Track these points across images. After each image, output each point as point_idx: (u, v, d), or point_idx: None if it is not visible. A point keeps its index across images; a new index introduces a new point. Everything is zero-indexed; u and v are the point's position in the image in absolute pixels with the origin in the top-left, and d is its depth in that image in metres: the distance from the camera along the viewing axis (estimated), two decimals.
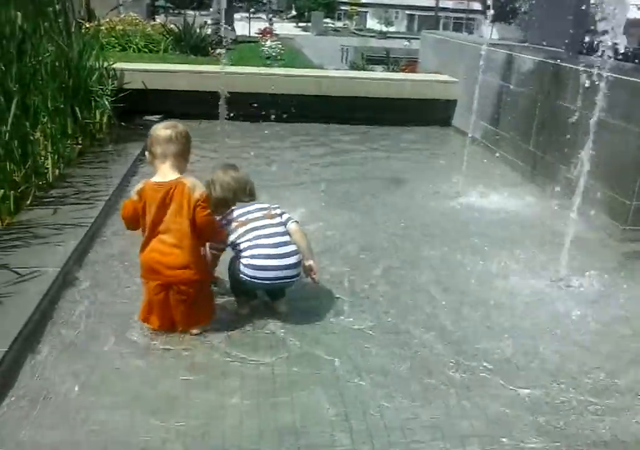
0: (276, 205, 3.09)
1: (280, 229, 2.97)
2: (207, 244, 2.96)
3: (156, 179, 2.75)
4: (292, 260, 2.91)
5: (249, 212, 2.97)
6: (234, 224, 2.94)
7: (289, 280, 2.95)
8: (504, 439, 2.28)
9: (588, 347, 2.94)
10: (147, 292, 2.80)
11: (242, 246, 2.90)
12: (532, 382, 2.63)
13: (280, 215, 3.03)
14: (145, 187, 2.72)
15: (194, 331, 2.84)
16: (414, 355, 2.79)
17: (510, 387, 2.58)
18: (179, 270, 2.72)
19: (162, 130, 2.75)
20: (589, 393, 2.57)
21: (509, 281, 3.55)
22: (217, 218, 2.94)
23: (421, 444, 2.24)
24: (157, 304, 2.78)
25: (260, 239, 2.89)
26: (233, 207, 2.99)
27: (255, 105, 5.91)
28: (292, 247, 2.93)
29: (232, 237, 2.93)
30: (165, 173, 2.73)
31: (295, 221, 3.04)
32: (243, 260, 2.88)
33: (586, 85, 3.54)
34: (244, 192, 3.05)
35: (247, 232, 2.91)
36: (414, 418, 2.36)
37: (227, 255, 3.05)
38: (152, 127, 2.81)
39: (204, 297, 2.88)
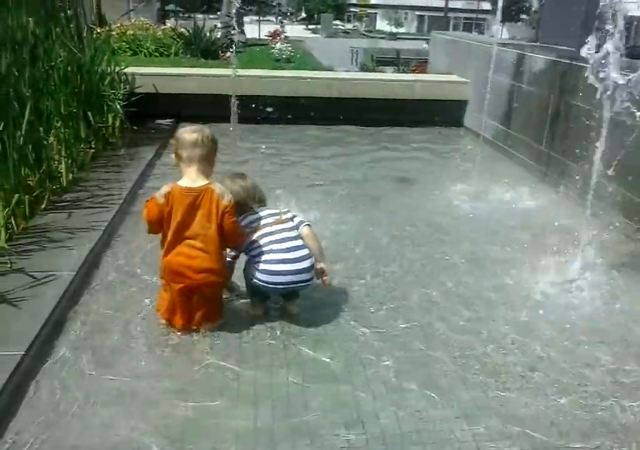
0: (286, 210, 3.10)
1: (292, 233, 2.98)
2: None
3: (184, 183, 2.74)
4: (305, 264, 2.91)
5: (260, 218, 2.98)
6: (246, 231, 2.95)
7: (302, 284, 2.96)
8: None
9: (604, 345, 2.93)
10: (170, 294, 2.82)
11: (255, 252, 2.92)
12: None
13: (292, 218, 3.04)
14: (173, 192, 2.71)
15: (208, 328, 2.86)
16: (426, 363, 2.75)
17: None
18: (204, 273, 2.75)
19: (189, 133, 2.75)
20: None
21: (522, 282, 3.53)
22: None
23: None
24: (180, 306, 2.81)
25: (273, 244, 2.90)
26: (244, 214, 3.00)
27: (265, 107, 5.94)
28: (304, 251, 2.94)
29: (245, 244, 2.95)
30: (193, 178, 2.74)
31: (307, 224, 3.05)
32: (257, 266, 2.90)
33: (598, 83, 3.51)
34: (253, 200, 3.06)
35: (259, 238, 2.93)
36: (421, 431, 2.33)
37: (242, 259, 3.06)
38: (178, 130, 2.83)
39: (220, 297, 2.97)
